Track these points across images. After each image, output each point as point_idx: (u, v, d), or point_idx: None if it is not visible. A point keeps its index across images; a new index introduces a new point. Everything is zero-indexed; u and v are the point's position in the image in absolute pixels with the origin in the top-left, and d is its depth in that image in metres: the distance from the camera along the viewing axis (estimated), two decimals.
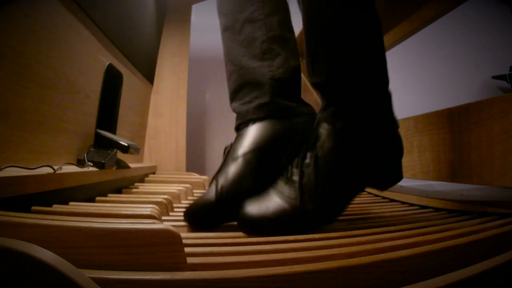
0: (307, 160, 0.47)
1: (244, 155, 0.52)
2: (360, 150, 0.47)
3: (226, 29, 0.59)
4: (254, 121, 0.56)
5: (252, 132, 0.55)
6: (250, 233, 0.45)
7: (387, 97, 0.50)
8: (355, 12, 0.47)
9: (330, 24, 0.47)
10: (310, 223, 0.47)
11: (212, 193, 0.50)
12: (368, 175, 0.48)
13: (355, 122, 0.47)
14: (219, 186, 0.50)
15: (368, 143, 0.47)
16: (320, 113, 0.51)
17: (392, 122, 0.51)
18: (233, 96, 0.60)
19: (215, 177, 0.52)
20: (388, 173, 0.50)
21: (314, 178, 0.46)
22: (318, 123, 0.50)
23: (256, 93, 0.56)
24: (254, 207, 0.47)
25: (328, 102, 0.50)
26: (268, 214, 0.46)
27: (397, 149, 0.51)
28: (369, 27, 0.48)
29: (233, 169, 0.51)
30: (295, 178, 0.47)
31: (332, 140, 0.47)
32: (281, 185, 0.48)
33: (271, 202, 0.47)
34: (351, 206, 0.71)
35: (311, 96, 1.47)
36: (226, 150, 0.56)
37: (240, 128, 0.59)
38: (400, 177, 0.51)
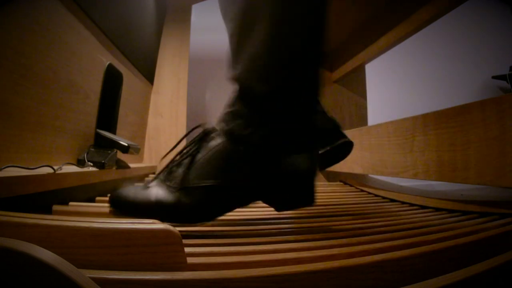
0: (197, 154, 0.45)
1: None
2: (243, 161, 0.44)
3: (233, 35, 0.56)
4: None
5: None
6: (120, 212, 0.44)
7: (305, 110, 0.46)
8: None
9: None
10: (185, 216, 0.44)
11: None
12: (249, 191, 0.45)
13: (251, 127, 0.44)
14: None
15: (257, 156, 0.44)
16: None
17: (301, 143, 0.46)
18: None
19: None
20: (283, 195, 0.46)
21: (189, 174, 0.44)
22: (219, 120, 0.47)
23: None
24: (132, 191, 0.45)
25: (237, 98, 0.47)
26: (149, 200, 0.44)
27: (291, 173, 0.45)
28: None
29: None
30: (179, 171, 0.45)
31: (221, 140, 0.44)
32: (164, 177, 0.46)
33: (154, 190, 0.45)
34: (351, 206, 0.71)
35: None
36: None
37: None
38: (308, 202, 0.47)
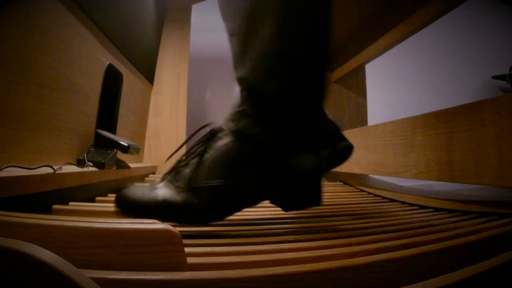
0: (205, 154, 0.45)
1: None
2: (251, 163, 0.44)
3: (233, 34, 0.56)
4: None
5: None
6: (125, 212, 0.44)
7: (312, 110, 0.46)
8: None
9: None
10: (193, 216, 0.44)
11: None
12: (256, 191, 0.45)
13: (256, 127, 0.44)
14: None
15: (264, 157, 0.44)
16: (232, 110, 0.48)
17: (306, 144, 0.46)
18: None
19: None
20: (291, 195, 0.46)
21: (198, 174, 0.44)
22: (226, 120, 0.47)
23: None
24: (138, 191, 0.44)
25: (245, 99, 0.46)
26: (156, 200, 0.43)
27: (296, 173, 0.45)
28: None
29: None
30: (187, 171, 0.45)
31: (228, 141, 0.44)
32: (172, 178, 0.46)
33: (161, 191, 0.44)
34: (351, 206, 0.71)
35: None
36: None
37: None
38: (315, 202, 0.47)
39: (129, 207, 0.44)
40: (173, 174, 0.46)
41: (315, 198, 0.46)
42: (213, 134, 0.46)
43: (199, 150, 0.45)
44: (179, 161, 0.47)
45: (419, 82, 1.89)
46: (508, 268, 0.31)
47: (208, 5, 1.46)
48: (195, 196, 0.43)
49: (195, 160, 0.45)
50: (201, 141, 0.46)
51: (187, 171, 0.45)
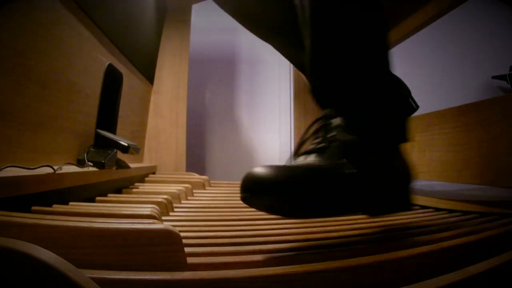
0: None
1: None
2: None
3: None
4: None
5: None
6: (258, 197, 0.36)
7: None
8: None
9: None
10: (352, 192, 0.38)
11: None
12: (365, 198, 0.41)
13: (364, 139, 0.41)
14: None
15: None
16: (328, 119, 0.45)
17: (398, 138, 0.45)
18: None
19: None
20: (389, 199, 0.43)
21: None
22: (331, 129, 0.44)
23: None
24: (270, 169, 0.36)
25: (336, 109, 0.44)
26: (295, 175, 0.36)
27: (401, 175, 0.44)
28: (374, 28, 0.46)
29: None
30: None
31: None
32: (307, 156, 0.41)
33: (299, 163, 0.38)
34: None
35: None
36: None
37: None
38: (407, 207, 0.45)
39: (262, 189, 0.35)
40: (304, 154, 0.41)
41: (406, 202, 0.45)
42: (329, 125, 0.43)
43: (328, 136, 0.42)
44: (313, 149, 0.42)
45: (419, 82, 1.89)
46: (508, 268, 0.31)
47: (208, 5, 1.46)
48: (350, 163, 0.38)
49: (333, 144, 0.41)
50: (325, 132, 0.43)
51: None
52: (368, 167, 0.40)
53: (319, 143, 0.42)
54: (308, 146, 0.43)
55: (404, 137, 0.46)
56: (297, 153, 0.43)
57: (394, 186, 0.43)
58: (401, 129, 0.47)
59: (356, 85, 0.45)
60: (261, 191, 0.35)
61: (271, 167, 0.36)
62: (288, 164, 0.38)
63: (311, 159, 0.39)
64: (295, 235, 0.44)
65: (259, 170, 0.35)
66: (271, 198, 0.35)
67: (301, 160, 0.40)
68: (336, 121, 0.43)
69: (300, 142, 0.44)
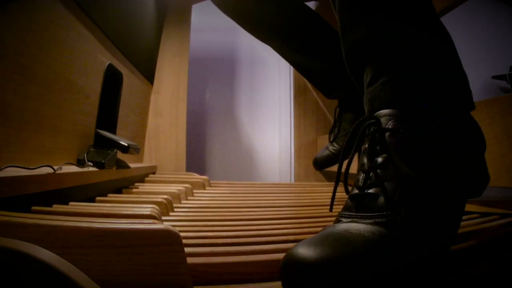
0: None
1: None
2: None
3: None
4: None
5: None
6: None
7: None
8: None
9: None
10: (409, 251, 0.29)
11: None
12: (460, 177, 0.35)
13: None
14: None
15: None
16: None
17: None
18: None
19: None
20: (476, 172, 0.37)
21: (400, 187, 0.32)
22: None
23: None
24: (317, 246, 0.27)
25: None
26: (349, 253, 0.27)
27: (476, 142, 0.38)
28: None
29: None
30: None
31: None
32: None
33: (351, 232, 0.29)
34: None
35: (312, 96, 1.47)
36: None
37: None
38: (488, 178, 0.39)
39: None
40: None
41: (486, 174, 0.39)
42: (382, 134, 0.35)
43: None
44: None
45: None
46: (508, 268, 0.31)
47: (208, 5, 1.46)
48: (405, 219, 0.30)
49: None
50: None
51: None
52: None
53: (365, 181, 0.34)
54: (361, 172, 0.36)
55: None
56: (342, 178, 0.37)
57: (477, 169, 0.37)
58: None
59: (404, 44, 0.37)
60: (311, 283, 0.25)
61: (322, 245, 0.27)
62: (336, 234, 0.29)
63: (363, 223, 0.30)
64: (295, 235, 0.44)
65: (303, 252, 0.26)
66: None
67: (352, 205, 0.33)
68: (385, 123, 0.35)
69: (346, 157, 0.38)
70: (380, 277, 0.26)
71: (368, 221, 0.30)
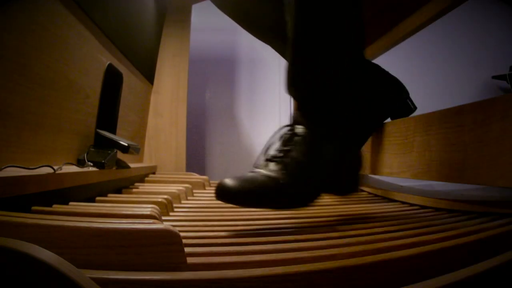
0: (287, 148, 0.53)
1: None
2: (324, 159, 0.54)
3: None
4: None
5: None
6: (227, 202, 0.49)
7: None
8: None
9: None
10: (287, 200, 0.50)
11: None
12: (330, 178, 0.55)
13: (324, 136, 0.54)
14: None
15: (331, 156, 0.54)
16: (296, 113, 0.57)
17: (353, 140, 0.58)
18: None
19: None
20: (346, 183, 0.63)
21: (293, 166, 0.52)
22: (295, 122, 0.56)
23: None
24: (236, 181, 0.49)
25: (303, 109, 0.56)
26: (252, 187, 0.48)
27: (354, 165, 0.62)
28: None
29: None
30: (277, 158, 0.52)
31: (305, 144, 0.53)
32: (265, 165, 0.53)
33: (257, 177, 0.50)
34: (351, 206, 0.71)
35: None
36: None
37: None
38: (354, 189, 0.67)
39: (230, 196, 0.48)
40: (264, 166, 0.53)
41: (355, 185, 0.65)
42: (292, 136, 0.54)
43: (285, 149, 0.53)
44: (273, 157, 0.54)
45: (419, 82, 1.89)
46: (508, 268, 0.31)
47: (208, 5, 1.46)
48: (290, 179, 0.50)
49: (285, 158, 0.52)
50: (286, 142, 0.54)
51: (279, 162, 0.52)
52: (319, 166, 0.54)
53: (279, 151, 0.53)
54: (272, 150, 0.55)
55: (362, 141, 0.60)
56: (265, 153, 0.55)
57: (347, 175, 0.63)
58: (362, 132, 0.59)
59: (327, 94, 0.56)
60: (228, 198, 0.48)
61: (236, 179, 0.48)
62: (252, 172, 0.51)
63: (270, 168, 0.51)
64: (295, 235, 0.44)
65: (227, 181, 0.48)
66: (236, 203, 0.49)
67: (263, 165, 0.53)
68: (299, 130, 0.54)
69: (267, 145, 0.56)
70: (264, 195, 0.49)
71: (267, 168, 0.52)
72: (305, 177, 0.51)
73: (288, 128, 0.55)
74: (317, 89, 0.55)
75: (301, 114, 0.56)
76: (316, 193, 0.53)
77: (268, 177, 0.49)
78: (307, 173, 0.51)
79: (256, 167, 0.53)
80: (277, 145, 0.55)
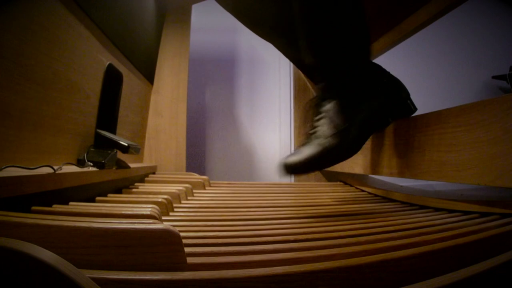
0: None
1: None
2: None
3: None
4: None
5: None
6: (300, 173, 0.66)
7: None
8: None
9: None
10: (338, 154, 0.63)
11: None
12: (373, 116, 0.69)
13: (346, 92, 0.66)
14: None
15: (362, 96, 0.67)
16: (316, 89, 0.68)
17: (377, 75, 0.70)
18: None
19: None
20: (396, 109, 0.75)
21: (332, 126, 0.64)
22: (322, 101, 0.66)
23: None
24: (298, 156, 0.61)
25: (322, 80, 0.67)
26: (314, 154, 0.61)
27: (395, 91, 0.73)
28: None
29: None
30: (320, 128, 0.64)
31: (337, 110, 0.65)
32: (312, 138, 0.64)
33: (311, 147, 0.62)
34: (351, 206, 0.71)
35: (312, 96, 1.47)
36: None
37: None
38: (411, 111, 0.76)
39: (294, 168, 0.62)
40: (308, 139, 0.64)
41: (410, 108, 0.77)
42: (319, 105, 0.66)
43: (318, 117, 0.65)
44: (310, 131, 0.65)
45: (419, 82, 1.89)
46: (508, 268, 0.31)
47: (208, 5, 1.46)
48: (337, 138, 0.62)
49: (321, 122, 0.65)
50: (316, 114, 0.66)
51: (321, 131, 0.64)
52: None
53: (314, 126, 0.65)
54: (307, 128, 0.67)
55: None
56: (309, 132, 0.66)
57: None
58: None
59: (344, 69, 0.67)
60: (302, 170, 0.63)
61: (296, 155, 0.62)
62: (302, 147, 0.63)
63: (317, 134, 0.63)
64: (295, 235, 0.44)
65: (291, 159, 0.61)
66: (300, 173, 0.67)
67: (307, 144, 0.63)
68: (325, 105, 0.65)
69: (303, 122, 0.72)
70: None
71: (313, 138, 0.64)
72: (346, 133, 0.63)
73: (315, 102, 0.67)
74: (335, 43, 0.66)
75: (321, 80, 0.67)
76: (362, 139, 0.66)
77: (318, 144, 0.62)
78: (346, 130, 0.63)
79: (303, 145, 0.64)
80: (311, 122, 0.66)
